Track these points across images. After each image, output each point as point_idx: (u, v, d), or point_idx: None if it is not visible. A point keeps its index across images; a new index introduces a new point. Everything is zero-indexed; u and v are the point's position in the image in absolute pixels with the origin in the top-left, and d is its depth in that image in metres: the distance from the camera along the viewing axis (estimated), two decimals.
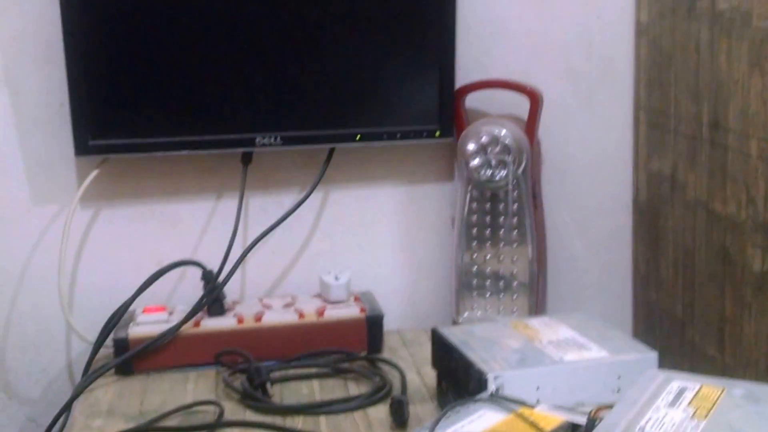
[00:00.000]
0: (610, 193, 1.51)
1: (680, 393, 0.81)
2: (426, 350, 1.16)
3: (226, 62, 1.30)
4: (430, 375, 1.19)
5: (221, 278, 1.33)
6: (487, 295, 1.39)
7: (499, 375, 0.97)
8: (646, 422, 0.70)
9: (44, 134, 1.35)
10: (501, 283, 1.38)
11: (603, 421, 0.71)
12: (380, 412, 1.14)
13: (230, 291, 1.38)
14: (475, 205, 1.37)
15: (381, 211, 1.46)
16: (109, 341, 1.29)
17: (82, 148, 1.29)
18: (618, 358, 1.02)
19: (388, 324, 1.37)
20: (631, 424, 0.70)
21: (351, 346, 1.31)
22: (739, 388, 0.82)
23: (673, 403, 0.76)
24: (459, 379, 1.04)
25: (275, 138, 1.33)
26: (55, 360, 1.41)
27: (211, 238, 1.41)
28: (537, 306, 1.38)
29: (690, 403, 0.78)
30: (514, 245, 1.36)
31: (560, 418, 0.83)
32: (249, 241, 1.38)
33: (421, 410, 1.12)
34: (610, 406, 0.77)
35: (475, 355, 1.02)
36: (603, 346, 1.04)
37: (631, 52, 1.46)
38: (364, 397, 1.17)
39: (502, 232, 1.36)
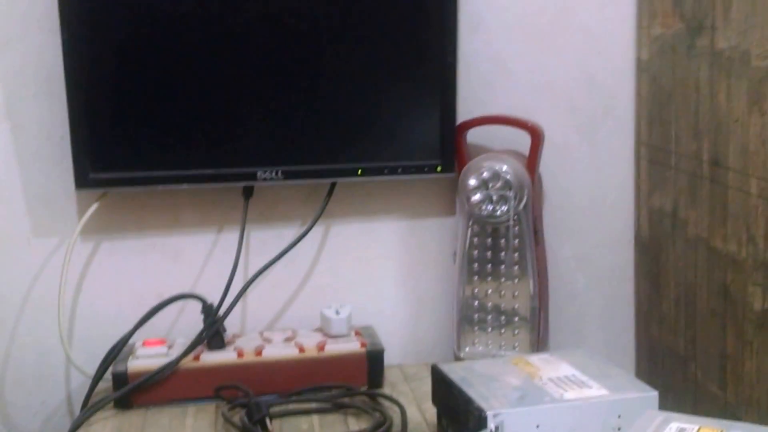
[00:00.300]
0: (612, 229, 1.52)
1: None
2: (427, 385, 1.17)
3: (227, 96, 1.32)
4: (431, 411, 1.19)
5: (222, 311, 1.33)
6: (489, 330, 1.39)
7: (498, 413, 0.97)
8: None
9: (45, 167, 1.35)
10: (502, 318, 1.38)
11: None
12: None
13: (231, 324, 1.39)
14: (476, 239, 1.37)
15: (382, 245, 1.47)
16: (108, 374, 1.29)
17: (82, 181, 1.30)
18: (618, 396, 1.02)
19: (389, 358, 1.37)
20: None
21: (351, 381, 1.31)
22: (738, 429, 0.82)
23: None
24: (459, 416, 1.04)
25: (277, 172, 1.34)
26: (54, 393, 1.41)
27: (212, 272, 1.41)
28: (538, 341, 1.38)
29: None
30: (516, 280, 1.36)
31: None
32: (250, 275, 1.38)
33: None
34: None
35: (475, 392, 1.03)
36: (604, 384, 1.04)
37: (632, 89, 1.48)
38: None
39: (503, 266, 1.37)
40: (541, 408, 0.99)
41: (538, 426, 0.99)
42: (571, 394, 1.02)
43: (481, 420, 0.98)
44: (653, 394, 1.02)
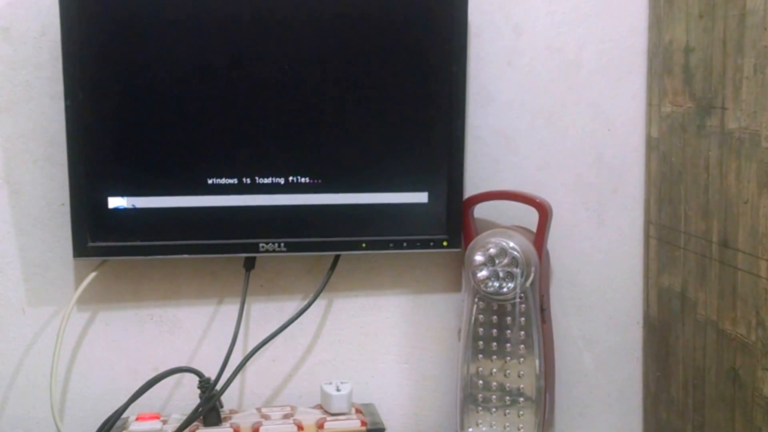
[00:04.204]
0: (621, 308, 1.55)
1: None
2: None
3: (229, 166, 1.35)
4: None
5: (219, 386, 1.35)
6: (493, 410, 1.41)
7: None
8: None
9: (43, 234, 1.39)
10: (507, 398, 1.41)
11: None
12: None
13: (228, 399, 1.41)
14: (481, 316, 1.40)
15: (386, 320, 1.50)
16: None
17: (80, 249, 1.34)
18: None
19: None
20: None
21: None
22: None
23: None
24: None
25: (279, 244, 1.37)
26: None
27: (210, 345, 1.44)
28: (543, 422, 1.40)
29: None
30: (522, 359, 1.39)
31: None
32: (249, 349, 1.41)
33: None
34: None
35: None
36: None
37: (642, 167, 1.51)
38: None
39: (508, 345, 1.40)
40: None
41: None
42: None
43: None
44: None
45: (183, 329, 1.44)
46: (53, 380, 1.37)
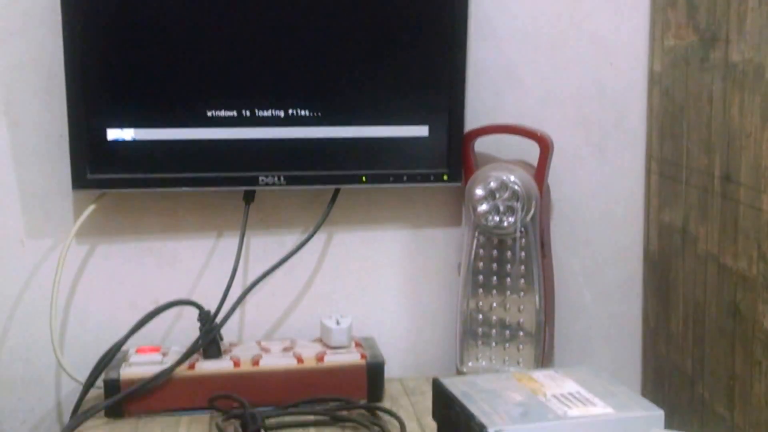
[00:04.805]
0: (621, 243, 1.55)
1: None
2: (428, 399, 1.19)
3: (229, 100, 1.35)
4: (432, 426, 1.22)
5: (219, 319, 1.36)
6: (493, 345, 1.42)
7: (500, 429, 1.00)
8: None
9: (42, 166, 1.39)
10: (507, 332, 1.41)
11: None
12: None
13: (228, 333, 1.42)
14: (482, 251, 1.40)
15: (386, 254, 1.50)
16: (99, 382, 1.32)
17: (79, 181, 1.34)
18: (623, 415, 1.05)
19: (390, 371, 1.40)
20: None
21: (351, 393, 1.34)
22: None
23: None
24: (460, 430, 1.07)
25: (279, 177, 1.37)
26: (43, 400, 1.44)
27: (210, 278, 1.45)
28: (543, 357, 1.41)
29: None
30: (521, 294, 1.40)
31: None
32: (249, 282, 1.41)
33: None
34: None
35: (477, 408, 1.05)
36: (609, 402, 1.07)
37: (644, 101, 1.51)
38: None
39: (509, 280, 1.40)
40: (544, 425, 1.02)
41: None
42: (575, 411, 1.05)
43: None
44: (659, 413, 1.05)
45: (182, 262, 1.45)
46: (53, 313, 1.38)
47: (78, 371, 1.39)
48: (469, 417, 1.04)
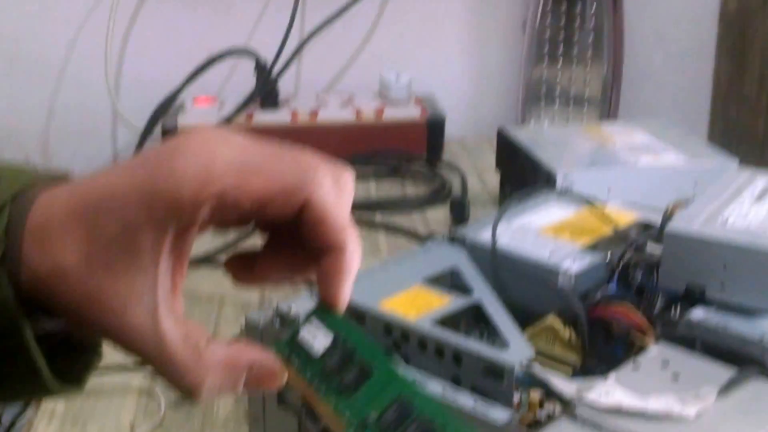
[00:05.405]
0: (696, 1, 1.48)
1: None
2: (488, 158, 1.17)
3: None
4: (493, 181, 1.20)
5: (276, 71, 1.33)
6: (556, 107, 1.38)
7: (568, 174, 0.98)
8: (730, 214, 0.70)
9: None
10: (572, 97, 1.37)
11: (683, 212, 0.72)
12: (439, 213, 1.15)
13: (284, 86, 1.39)
14: (549, 6, 1.34)
15: (449, 9, 1.45)
16: (157, 131, 1.31)
17: None
18: (696, 163, 1.01)
19: (449, 130, 1.37)
20: (713, 215, 0.70)
21: (410, 149, 1.32)
22: None
23: (759, 198, 0.76)
24: (525, 180, 1.05)
25: None
26: (100, 150, 1.44)
27: (266, 28, 1.40)
28: (608, 119, 1.37)
29: None
30: (589, 53, 1.35)
31: (634, 214, 0.84)
32: (306, 33, 1.37)
33: (482, 214, 1.13)
34: (688, 202, 0.77)
35: (544, 155, 1.03)
36: (680, 151, 1.04)
37: None
38: (422, 197, 1.18)
39: (576, 37, 1.35)
40: (613, 171, 1.00)
41: (609, 190, 0.98)
42: (645, 159, 1.02)
43: (550, 182, 0.98)
44: (733, 163, 1.02)
45: (238, 11, 1.41)
46: (108, 62, 1.36)
47: (135, 120, 1.37)
48: (536, 164, 1.02)
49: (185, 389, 0.39)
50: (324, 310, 0.41)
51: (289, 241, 0.42)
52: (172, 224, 0.38)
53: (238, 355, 0.40)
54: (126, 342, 0.39)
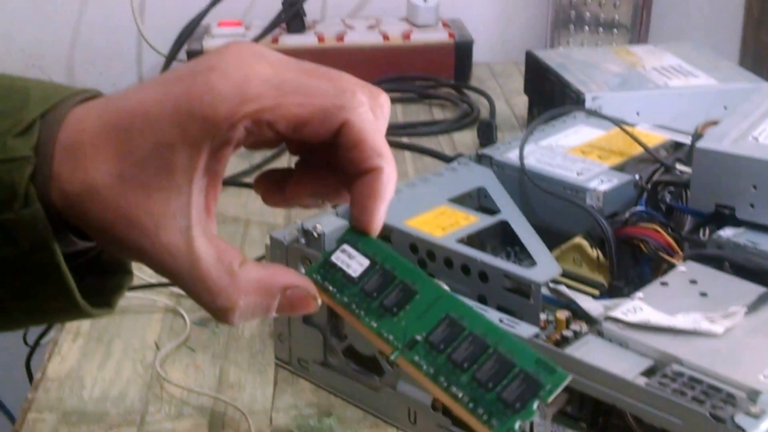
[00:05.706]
0: None
1: None
2: (516, 82, 1.16)
3: None
4: (520, 106, 1.19)
5: None
6: (585, 32, 1.36)
7: (597, 96, 0.97)
8: (760, 133, 0.70)
9: None
10: (601, 16, 1.35)
11: (712, 130, 0.71)
12: (466, 137, 1.15)
13: (311, 10, 1.37)
14: None
15: None
16: (182, 54, 1.30)
17: None
18: (726, 86, 1.00)
19: (477, 55, 1.35)
20: (744, 134, 0.69)
21: (437, 73, 1.31)
22: None
23: None
24: (553, 103, 1.04)
25: None
26: (125, 74, 1.43)
27: None
28: (638, 43, 1.36)
29: None
30: None
31: (663, 136, 0.83)
32: None
33: (510, 138, 1.12)
34: (718, 122, 0.76)
35: (572, 77, 1.02)
36: (711, 74, 1.02)
37: None
38: (449, 121, 1.18)
39: None
40: (643, 93, 0.98)
41: (638, 113, 0.98)
42: (675, 82, 1.01)
43: (579, 103, 0.97)
44: (765, 85, 1.00)
45: None
46: None
47: (159, 45, 1.36)
48: (565, 86, 1.01)
49: (217, 311, 0.38)
50: (357, 233, 0.40)
51: (321, 163, 0.41)
52: (206, 143, 0.37)
53: (273, 277, 0.39)
54: (158, 263, 0.38)
